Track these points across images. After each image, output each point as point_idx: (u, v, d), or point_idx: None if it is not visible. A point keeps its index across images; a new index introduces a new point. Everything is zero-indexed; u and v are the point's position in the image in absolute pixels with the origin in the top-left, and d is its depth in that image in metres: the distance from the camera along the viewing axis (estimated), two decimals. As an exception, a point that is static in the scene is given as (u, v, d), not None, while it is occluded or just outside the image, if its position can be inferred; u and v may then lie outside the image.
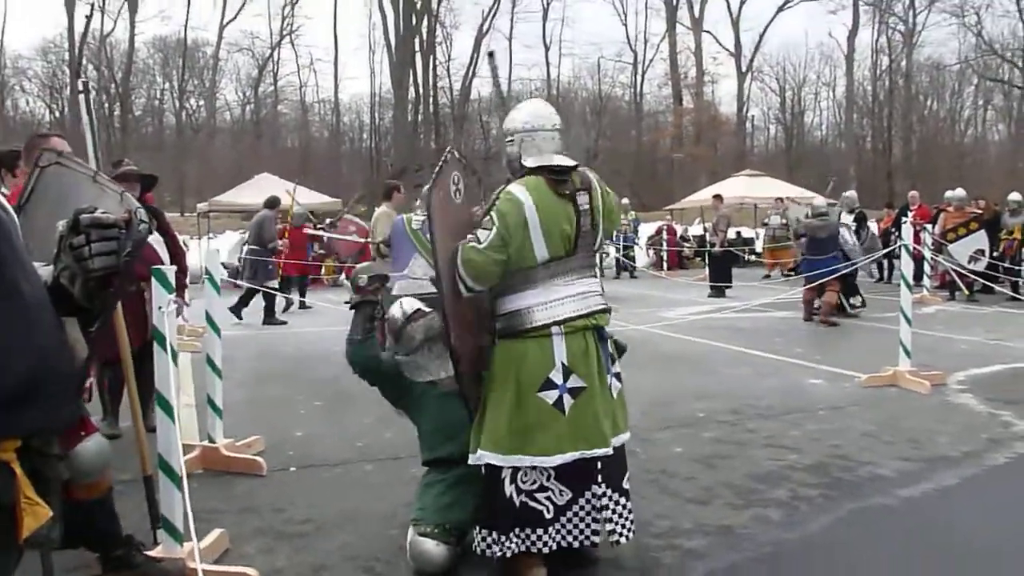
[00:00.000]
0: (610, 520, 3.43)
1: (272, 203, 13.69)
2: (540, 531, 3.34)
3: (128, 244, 1.96)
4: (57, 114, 47.02)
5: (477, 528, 3.43)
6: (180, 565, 3.34)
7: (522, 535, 3.33)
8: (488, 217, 3.34)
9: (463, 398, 3.48)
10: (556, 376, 3.31)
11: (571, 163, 3.46)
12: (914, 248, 7.95)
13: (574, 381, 3.32)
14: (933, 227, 13.80)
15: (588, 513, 3.42)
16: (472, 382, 3.46)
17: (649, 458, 5.28)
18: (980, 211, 14.43)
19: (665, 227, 22.55)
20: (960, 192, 14.52)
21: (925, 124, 48.45)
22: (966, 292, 13.49)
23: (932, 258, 12.69)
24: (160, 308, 3.44)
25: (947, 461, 5.18)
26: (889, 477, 4.82)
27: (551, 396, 3.30)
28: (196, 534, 3.50)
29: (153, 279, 3.47)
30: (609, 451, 3.36)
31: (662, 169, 50.01)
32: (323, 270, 18.99)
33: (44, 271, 1.91)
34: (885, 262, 16.49)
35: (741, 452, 5.39)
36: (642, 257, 22.17)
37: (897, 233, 16.05)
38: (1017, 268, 13.36)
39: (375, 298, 4.16)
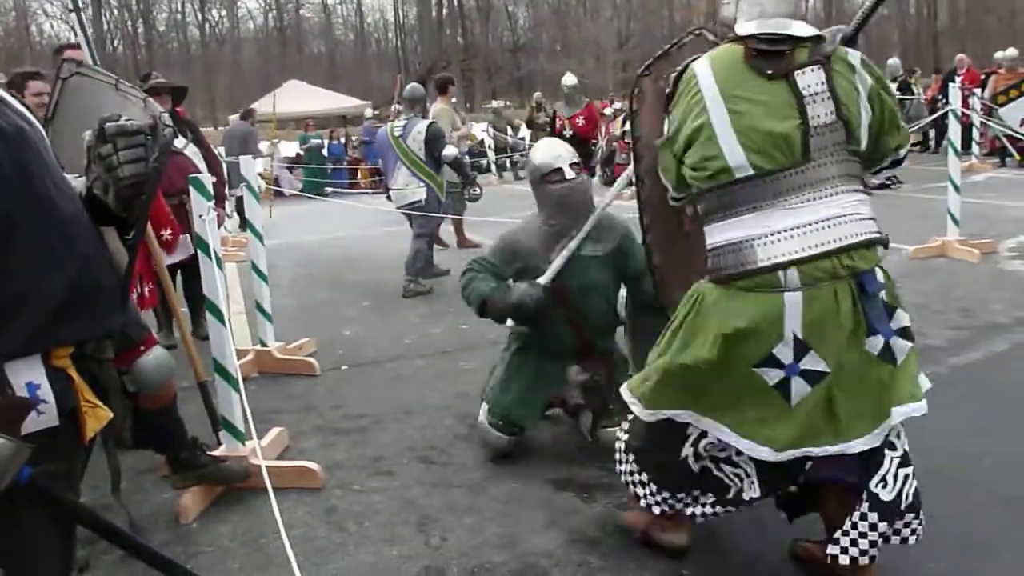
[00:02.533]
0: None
1: (246, 114, 13.84)
2: (713, 500, 2.61)
3: (155, 150, 1.95)
4: (82, 35, 46.70)
5: (632, 464, 2.76)
6: (243, 463, 3.47)
7: (688, 499, 2.65)
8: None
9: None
10: (783, 352, 2.31)
11: (799, 30, 2.38)
12: (962, 113, 7.66)
13: (812, 361, 2.30)
14: (982, 91, 13.24)
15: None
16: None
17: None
18: (1033, 71, 13.78)
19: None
20: (1012, 52, 13.82)
21: (973, -18, 46.02)
22: (1017, 157, 13.02)
23: (981, 123, 12.24)
24: (200, 216, 3.46)
25: (998, 328, 5.12)
26: (940, 346, 4.79)
27: (772, 376, 2.34)
28: (256, 433, 3.63)
29: (191, 188, 3.48)
30: (853, 446, 2.35)
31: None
32: (359, 174, 18.99)
33: (77, 183, 1.91)
34: (932, 131, 15.92)
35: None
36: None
37: (944, 100, 15.52)
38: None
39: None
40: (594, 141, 10.45)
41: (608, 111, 14.79)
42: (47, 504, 1.68)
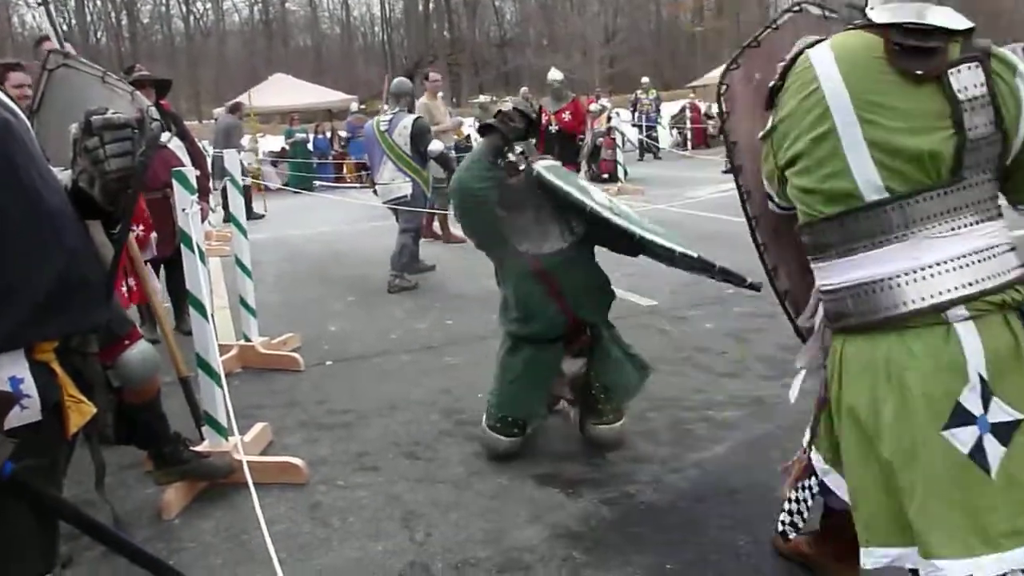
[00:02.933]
0: None
1: (234, 108, 14.14)
2: None
3: (142, 144, 1.94)
4: (64, 27, 46.34)
5: None
6: (227, 458, 3.45)
7: None
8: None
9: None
10: (971, 399, 1.80)
11: (947, 20, 1.85)
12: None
13: (1000, 411, 1.80)
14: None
15: None
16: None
17: (681, 335, 5.32)
18: None
19: (688, 105, 22.02)
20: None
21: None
22: None
23: None
24: (184, 210, 3.44)
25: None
26: None
27: (965, 438, 1.80)
28: (240, 429, 3.63)
29: (174, 181, 3.46)
30: None
31: (684, 45, 48.59)
32: (344, 169, 18.94)
33: (63, 176, 1.90)
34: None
35: (772, 324, 5.38)
36: (665, 137, 21.77)
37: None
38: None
39: (506, 129, 3.55)
40: (580, 136, 10.44)
41: (594, 107, 14.80)
42: (29, 499, 1.67)
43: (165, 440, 3.35)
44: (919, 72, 1.83)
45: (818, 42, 1.97)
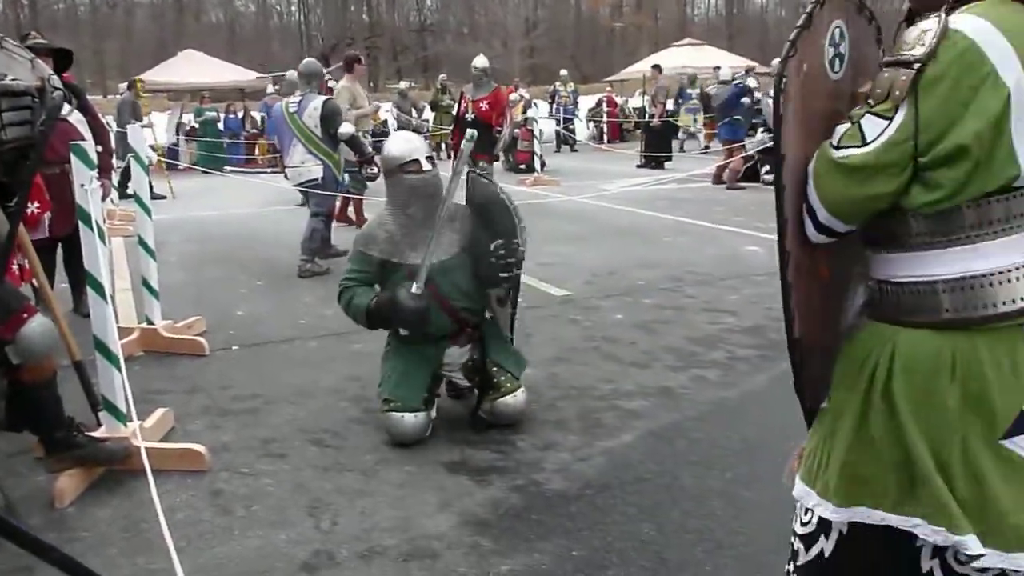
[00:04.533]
0: None
1: (131, 84, 14.08)
2: None
3: (42, 113, 1.86)
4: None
5: None
6: (124, 444, 3.33)
7: None
8: (878, 92, 1.62)
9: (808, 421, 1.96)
10: None
11: None
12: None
13: None
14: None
15: None
16: (818, 392, 1.92)
17: (592, 325, 5.38)
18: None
19: (605, 99, 22.28)
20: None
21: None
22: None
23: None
24: (82, 186, 3.29)
25: None
26: None
27: (1022, 445, 1.66)
28: (140, 414, 3.50)
29: (73, 156, 3.30)
30: None
31: (602, 40, 49.08)
32: (256, 150, 18.49)
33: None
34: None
35: (680, 317, 5.51)
36: (582, 130, 21.99)
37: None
38: None
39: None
40: (498, 128, 10.39)
41: (513, 96, 14.82)
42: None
43: (58, 424, 3.21)
44: None
45: (946, 14, 1.61)
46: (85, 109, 5.70)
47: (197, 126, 18.14)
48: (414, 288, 3.58)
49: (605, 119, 21.60)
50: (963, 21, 1.58)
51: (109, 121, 10.44)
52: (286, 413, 4.04)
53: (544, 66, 41.23)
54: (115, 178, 10.68)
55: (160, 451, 3.41)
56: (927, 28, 1.60)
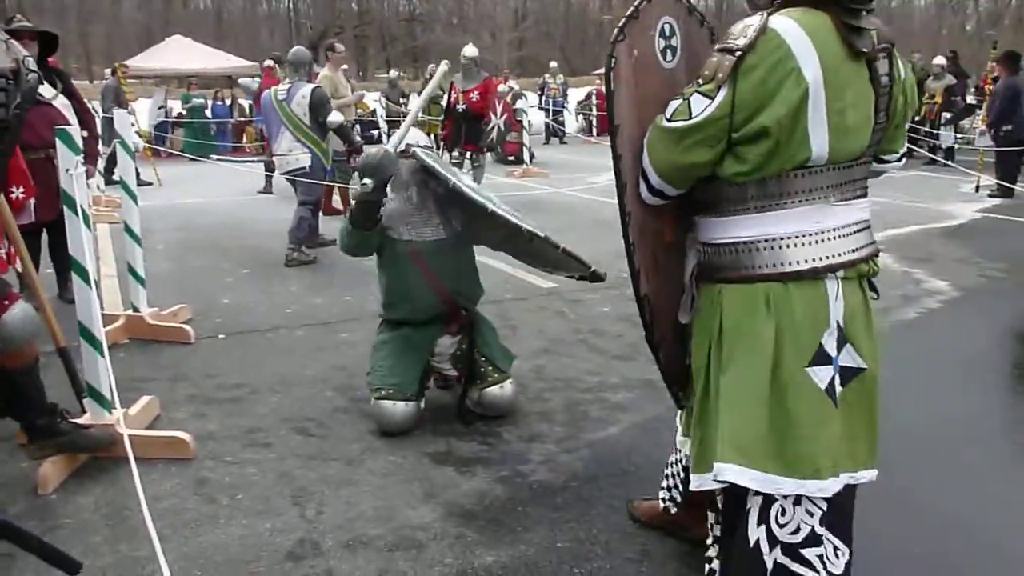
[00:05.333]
0: None
1: (115, 70, 13.81)
2: None
3: (17, 96, 1.84)
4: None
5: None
6: (109, 431, 3.31)
7: None
8: (706, 74, 1.92)
9: (667, 384, 2.36)
10: (829, 343, 2.00)
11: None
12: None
13: (849, 357, 2.04)
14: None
15: None
16: (673, 348, 2.29)
17: (578, 317, 5.39)
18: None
19: (595, 92, 22.23)
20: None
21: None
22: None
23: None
24: (67, 171, 3.26)
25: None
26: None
27: (823, 375, 1.99)
28: (125, 402, 3.49)
29: (58, 140, 3.27)
30: (875, 475, 2.16)
31: (592, 33, 48.98)
32: (244, 138, 18.37)
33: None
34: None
35: (667, 311, 5.51)
36: (571, 122, 21.95)
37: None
38: (936, 132, 13.65)
39: (379, 196, 3.55)
40: (487, 120, 10.34)
41: (503, 88, 14.76)
42: None
43: (40, 411, 3.19)
44: (864, 51, 1.93)
45: (768, 14, 1.92)
46: (70, 94, 5.63)
47: (184, 112, 18.01)
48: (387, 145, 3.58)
49: (594, 112, 21.57)
50: (779, 22, 1.88)
51: (94, 106, 10.33)
52: (271, 402, 4.02)
53: (533, 58, 41.15)
54: (100, 164, 10.60)
55: (145, 439, 3.40)
56: (750, 23, 1.89)
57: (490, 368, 3.78)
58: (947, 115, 13.81)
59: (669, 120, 1.97)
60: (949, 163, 11.68)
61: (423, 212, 3.77)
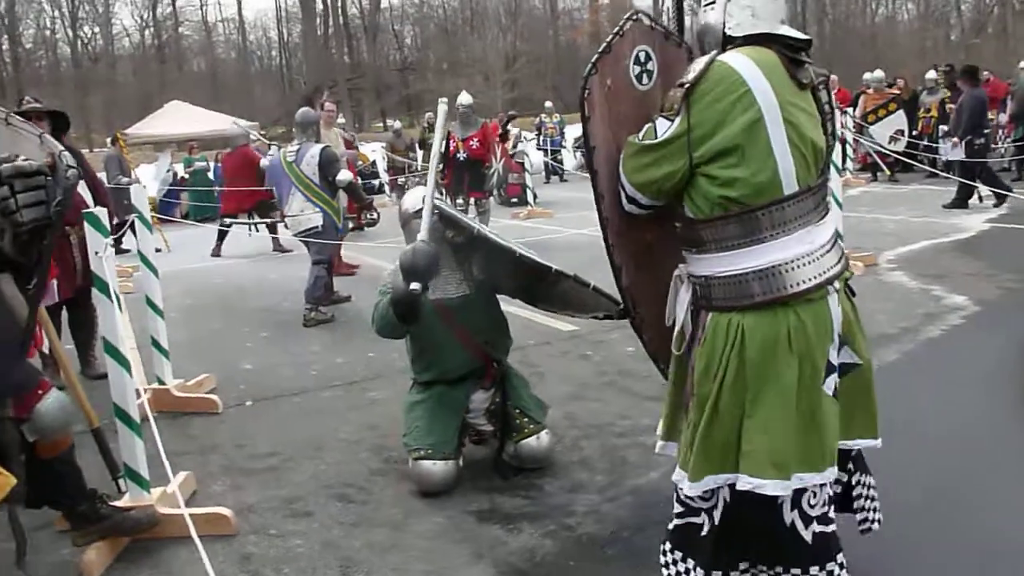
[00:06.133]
0: (862, 508, 2.71)
1: (114, 140, 14.05)
2: (840, 556, 2.41)
3: (58, 192, 1.85)
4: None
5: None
6: (151, 511, 3.28)
7: (821, 574, 2.39)
8: (666, 104, 2.30)
9: (653, 359, 2.71)
10: (832, 354, 2.32)
11: (806, 36, 2.35)
12: (841, 131, 8.05)
13: (847, 355, 2.38)
14: (853, 110, 14.00)
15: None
16: (656, 332, 2.64)
17: (603, 359, 5.37)
18: (898, 92, 14.65)
19: (591, 128, 22.40)
20: (879, 74, 14.70)
21: (837, 7, 48.69)
22: (887, 172, 13.81)
23: (854, 140, 12.92)
24: (97, 253, 3.27)
25: (887, 338, 5.38)
26: (834, 358, 4.99)
27: (831, 384, 2.32)
28: (161, 479, 3.46)
29: (86, 224, 3.29)
30: (878, 443, 2.58)
31: (582, 69, 49.37)
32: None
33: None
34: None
35: (691, 346, 5.49)
36: (570, 160, 22.05)
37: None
38: (935, 146, 13.70)
39: (423, 292, 3.37)
40: (487, 165, 10.38)
41: (513, 130, 14.84)
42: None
43: (81, 497, 3.16)
44: (805, 81, 2.29)
45: (718, 54, 2.28)
46: (83, 171, 5.69)
47: (188, 176, 18.14)
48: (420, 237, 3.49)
49: (592, 148, 21.70)
50: (728, 56, 2.25)
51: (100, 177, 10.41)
52: (307, 469, 4.00)
53: (527, 98, 41.46)
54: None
55: (191, 516, 3.36)
56: (700, 60, 2.27)
57: (525, 420, 3.76)
58: (944, 128, 13.86)
59: (640, 140, 2.34)
60: (951, 176, 11.71)
61: (444, 269, 3.73)
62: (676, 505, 2.50)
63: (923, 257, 7.98)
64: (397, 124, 21.01)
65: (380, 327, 3.70)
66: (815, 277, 2.24)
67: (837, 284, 2.31)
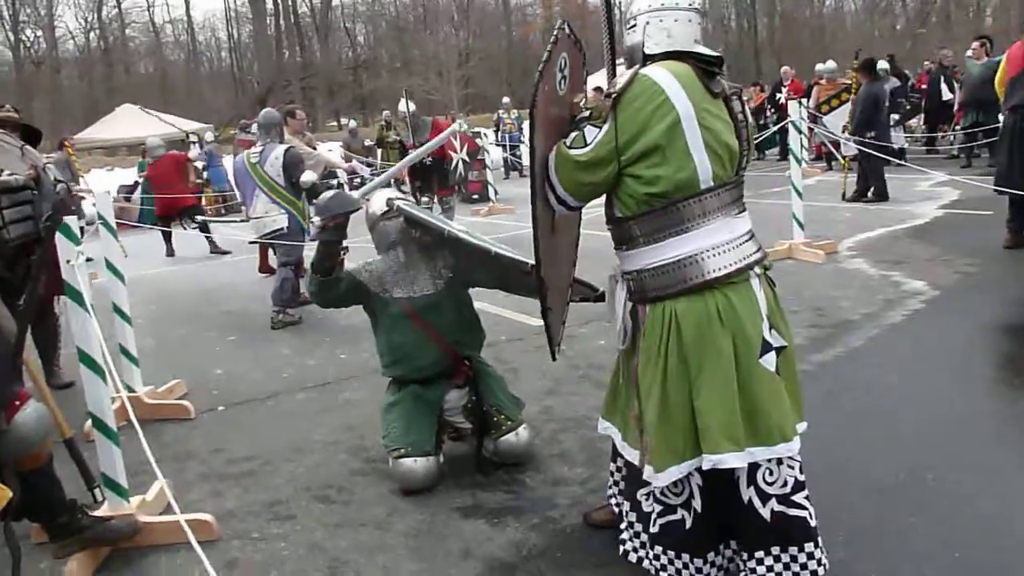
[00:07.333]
0: None
1: (60, 145, 13.65)
2: (810, 546, 2.48)
3: (46, 207, 1.83)
4: None
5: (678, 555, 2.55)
6: (131, 520, 3.25)
7: (784, 557, 2.47)
8: (595, 114, 2.56)
9: (548, 338, 2.90)
10: (767, 333, 2.49)
11: (718, 54, 2.57)
12: (799, 122, 8.17)
13: (776, 338, 2.53)
14: (807, 101, 14.22)
15: None
16: (557, 319, 2.93)
17: (576, 353, 5.40)
18: (850, 82, 14.90)
19: (548, 123, 22.46)
20: (831, 64, 14.94)
21: (785, 0, 49.41)
22: (843, 161, 14.05)
23: (808, 130, 13.13)
24: (68, 261, 3.22)
25: (851, 324, 5.50)
26: (801, 344, 5.06)
27: (770, 360, 2.47)
28: (134, 488, 3.43)
29: (58, 233, 3.23)
30: (804, 426, 2.66)
31: (535, 65, 49.50)
32: (203, 200, 18.22)
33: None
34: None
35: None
36: (528, 156, 22.13)
37: (772, 110, 16.56)
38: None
39: (336, 236, 3.61)
40: (449, 160, 10.38)
41: (456, 125, 14.79)
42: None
43: (61, 509, 3.12)
44: (716, 92, 2.50)
45: (641, 67, 2.50)
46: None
47: (140, 180, 17.83)
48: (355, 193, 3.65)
49: (549, 143, 21.77)
50: (649, 70, 2.47)
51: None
52: (285, 472, 3.97)
53: (481, 95, 41.49)
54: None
55: (167, 524, 3.33)
56: (625, 74, 2.50)
57: (502, 417, 3.79)
58: (895, 116, 14.15)
59: (570, 147, 2.51)
60: (903, 163, 11.96)
61: (411, 269, 3.81)
62: (655, 505, 2.57)
63: (880, 244, 8.15)
64: (352, 123, 20.87)
65: (307, 287, 3.81)
66: (737, 262, 2.46)
67: (758, 270, 2.52)
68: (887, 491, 3.28)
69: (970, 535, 2.91)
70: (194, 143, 13.20)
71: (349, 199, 3.50)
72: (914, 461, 3.50)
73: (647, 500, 2.59)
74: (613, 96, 2.45)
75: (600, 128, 2.47)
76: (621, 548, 2.72)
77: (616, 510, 2.98)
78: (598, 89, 18.00)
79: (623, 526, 2.74)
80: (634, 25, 2.60)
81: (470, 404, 3.84)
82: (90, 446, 3.46)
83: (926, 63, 16.88)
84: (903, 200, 10.67)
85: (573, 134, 2.54)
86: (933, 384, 4.35)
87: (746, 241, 2.51)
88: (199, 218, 12.42)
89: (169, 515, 3.52)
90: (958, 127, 14.10)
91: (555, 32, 2.59)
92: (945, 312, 5.67)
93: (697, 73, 2.48)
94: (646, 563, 2.62)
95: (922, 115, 15.85)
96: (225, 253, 11.76)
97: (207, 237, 12.02)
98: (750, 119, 2.63)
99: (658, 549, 2.56)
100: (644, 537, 2.64)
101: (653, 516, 2.57)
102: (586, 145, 2.48)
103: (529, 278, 3.67)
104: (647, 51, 2.54)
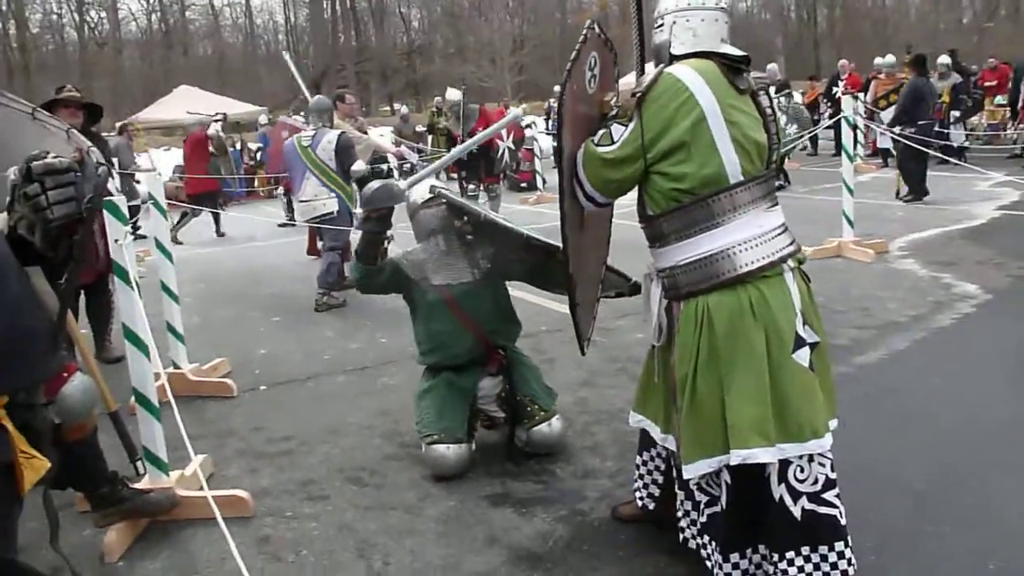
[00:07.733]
0: None
1: (122, 129, 14.27)
2: (840, 545, 2.45)
3: (88, 188, 1.87)
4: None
5: (719, 549, 2.54)
6: (170, 494, 3.34)
7: (814, 557, 2.44)
8: (622, 112, 2.61)
9: (577, 334, 2.94)
10: (800, 328, 2.47)
11: (744, 53, 2.59)
12: (853, 117, 8.02)
13: (809, 333, 2.50)
14: (864, 95, 13.94)
15: None
16: (587, 313, 2.94)
17: (613, 345, 5.40)
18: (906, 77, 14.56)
19: (599, 113, 22.36)
20: (890, 59, 14.61)
21: (849, -9, 48.35)
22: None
23: (864, 126, 12.87)
24: (116, 241, 3.31)
25: (897, 326, 5.40)
26: (845, 346, 4.97)
27: (803, 356, 2.45)
28: (175, 462, 3.52)
29: (105, 211, 3.32)
30: (835, 423, 2.63)
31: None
32: (256, 182, 18.51)
33: (-1, 219, 1.82)
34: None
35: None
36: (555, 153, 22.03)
37: (828, 103, 16.23)
38: (946, 132, 13.62)
39: (379, 228, 3.61)
40: (495, 149, 10.36)
41: (515, 113, 14.76)
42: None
43: (103, 480, 3.22)
44: (742, 88, 2.53)
45: (666, 66, 2.52)
46: (108, 160, 5.73)
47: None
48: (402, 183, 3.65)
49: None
50: (674, 68, 2.50)
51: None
52: (321, 453, 4.04)
53: (534, 82, 41.34)
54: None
55: (204, 499, 3.40)
56: (650, 73, 2.53)
57: (535, 407, 3.80)
58: (955, 113, 13.80)
59: (597, 144, 2.55)
60: (961, 162, 11.66)
61: (451, 257, 3.83)
62: (702, 495, 2.58)
63: (933, 245, 7.98)
64: (404, 109, 20.99)
65: (351, 274, 3.88)
66: (769, 256, 2.46)
67: (791, 263, 2.50)
68: (922, 495, 3.23)
69: (1008, 545, 2.85)
70: (216, 120, 13.46)
71: (394, 192, 3.52)
72: (953, 466, 3.43)
73: (698, 490, 2.60)
74: (638, 95, 2.48)
75: (626, 126, 2.51)
76: (681, 536, 2.73)
77: (640, 504, 3.00)
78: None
79: (680, 514, 2.73)
80: (661, 24, 2.64)
81: (503, 393, 3.86)
82: (133, 420, 3.54)
83: (991, 60, 16.38)
84: (960, 200, 10.40)
85: (600, 132, 2.58)
86: (977, 391, 4.26)
87: (779, 235, 2.51)
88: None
89: (207, 491, 3.63)
90: (1022, 125, 13.69)
91: (584, 31, 2.61)
92: (996, 317, 5.54)
93: (722, 70, 2.51)
94: (703, 552, 2.61)
95: (983, 112, 15.40)
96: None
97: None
98: (778, 113, 2.65)
99: (706, 538, 2.58)
100: (698, 526, 2.64)
101: (702, 505, 2.59)
102: (613, 143, 2.52)
103: (562, 266, 3.69)
104: (673, 51, 2.57)
